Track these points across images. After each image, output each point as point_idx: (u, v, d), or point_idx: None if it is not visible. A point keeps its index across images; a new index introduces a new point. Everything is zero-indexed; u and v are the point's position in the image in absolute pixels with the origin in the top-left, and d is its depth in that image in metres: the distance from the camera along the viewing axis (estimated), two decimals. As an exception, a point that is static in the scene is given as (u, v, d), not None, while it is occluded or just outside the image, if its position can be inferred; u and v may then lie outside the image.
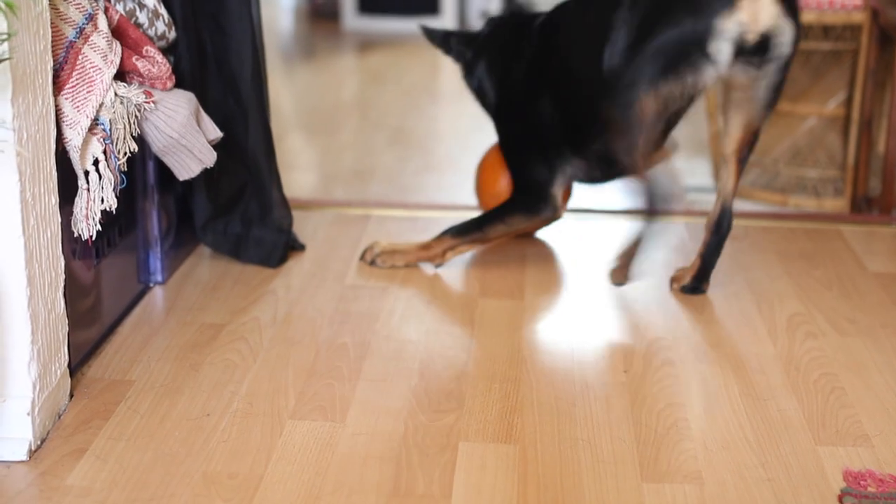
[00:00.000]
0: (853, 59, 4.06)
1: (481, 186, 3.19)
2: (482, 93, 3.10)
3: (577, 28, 2.83)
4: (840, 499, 1.99)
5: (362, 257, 2.99)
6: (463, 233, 2.94)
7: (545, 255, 3.08)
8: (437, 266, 2.95)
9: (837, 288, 2.89)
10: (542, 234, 3.19)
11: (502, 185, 3.09)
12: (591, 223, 3.32)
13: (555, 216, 2.97)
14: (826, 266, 3.02)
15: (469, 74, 3.12)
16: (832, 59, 4.10)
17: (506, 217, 2.94)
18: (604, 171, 2.89)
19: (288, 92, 5.78)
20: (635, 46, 2.53)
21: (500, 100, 3.02)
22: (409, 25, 6.98)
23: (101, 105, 2.26)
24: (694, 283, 2.85)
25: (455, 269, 2.96)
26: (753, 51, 2.51)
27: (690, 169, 4.19)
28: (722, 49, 2.48)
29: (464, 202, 3.63)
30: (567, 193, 3.09)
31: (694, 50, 2.49)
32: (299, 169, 4.34)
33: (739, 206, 4.03)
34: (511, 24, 3.05)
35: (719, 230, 2.81)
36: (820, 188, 4.14)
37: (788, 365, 2.48)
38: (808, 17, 3.96)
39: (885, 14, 3.70)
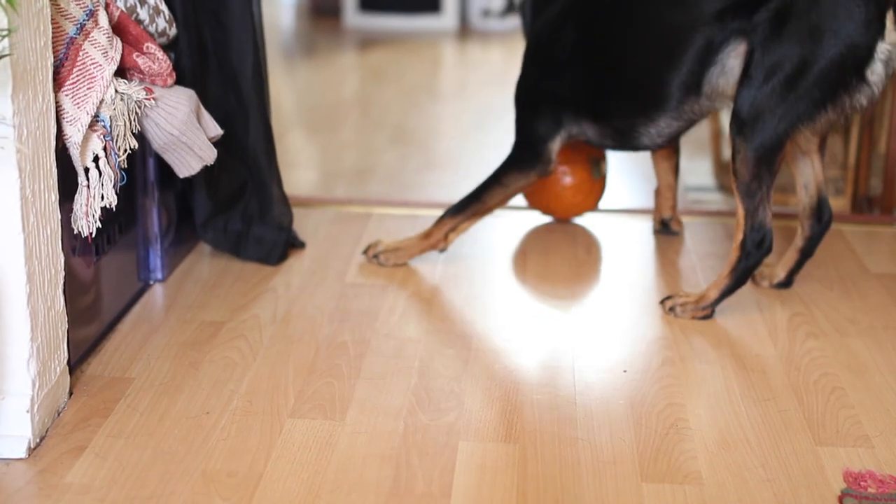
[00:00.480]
0: (855, 59, 4.05)
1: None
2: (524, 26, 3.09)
3: (640, 12, 2.77)
4: (840, 499, 1.99)
5: (364, 253, 2.99)
6: (461, 209, 2.93)
7: (544, 254, 3.07)
8: (442, 251, 2.95)
9: (838, 288, 2.89)
10: (541, 227, 3.19)
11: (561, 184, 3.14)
12: (590, 221, 3.32)
13: (547, 172, 2.92)
14: (827, 266, 3.02)
15: (522, 6, 3.11)
16: (834, 59, 4.09)
17: (501, 177, 2.92)
18: (618, 142, 2.86)
19: (289, 89, 5.78)
20: (788, 82, 2.51)
21: (531, 42, 2.98)
22: (409, 23, 6.98)
23: (101, 102, 2.26)
24: (788, 278, 2.86)
25: (455, 267, 2.96)
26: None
27: (692, 168, 4.18)
28: (877, 71, 2.50)
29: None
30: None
31: (851, 77, 2.50)
32: (300, 167, 4.34)
33: (740, 205, 4.03)
34: None
35: (821, 220, 2.82)
36: (821, 188, 4.13)
37: (789, 365, 2.47)
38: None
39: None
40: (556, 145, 2.88)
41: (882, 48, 2.49)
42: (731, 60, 2.60)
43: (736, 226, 2.64)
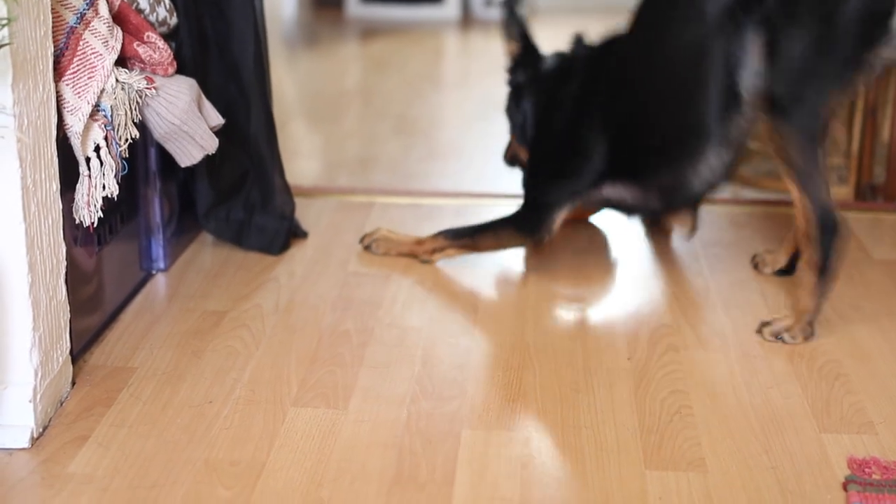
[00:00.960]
0: (858, 46, 4.04)
1: None
2: (521, 124, 3.00)
3: (648, 57, 2.69)
4: (844, 486, 1.98)
5: (361, 240, 2.99)
6: (456, 237, 2.90)
7: (547, 244, 3.07)
8: (423, 262, 2.93)
9: (842, 275, 2.85)
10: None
11: None
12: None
13: (543, 243, 2.86)
14: (830, 253, 3.01)
15: (514, 102, 3.02)
16: (837, 46, 4.08)
17: (498, 230, 2.88)
18: (666, 199, 2.76)
19: (291, 79, 5.77)
20: (817, 50, 2.40)
21: (539, 126, 2.92)
22: (412, 13, 6.96)
23: (102, 91, 2.25)
24: (790, 265, 2.83)
25: (455, 258, 2.95)
26: None
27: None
28: None
29: (467, 189, 3.62)
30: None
31: (879, 28, 2.40)
32: (303, 156, 4.33)
33: (743, 193, 4.02)
34: (569, 60, 2.91)
35: None
36: (824, 175, 4.12)
37: (792, 352, 2.47)
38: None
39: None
40: (559, 217, 2.82)
41: None
42: (756, 53, 2.47)
43: (802, 219, 2.50)
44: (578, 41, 2.92)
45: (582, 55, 2.88)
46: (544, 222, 2.82)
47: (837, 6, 2.39)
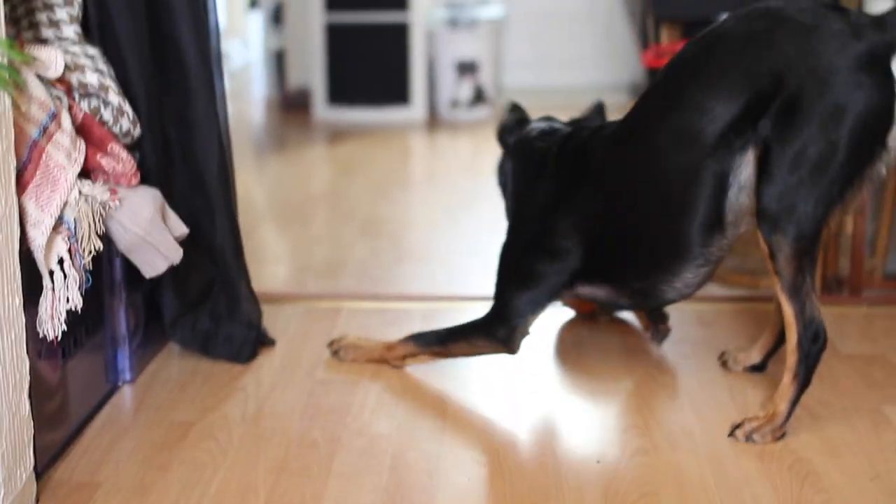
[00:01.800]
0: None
1: None
2: (504, 189, 3.02)
3: (636, 168, 2.65)
4: (818, 588, 1.97)
5: (329, 346, 2.98)
6: (426, 343, 2.88)
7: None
8: (394, 367, 2.92)
9: (810, 371, 2.88)
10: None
11: None
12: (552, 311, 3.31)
13: (516, 350, 2.81)
14: (798, 349, 3.01)
15: (501, 167, 3.03)
16: (798, 142, 4.12)
17: (469, 336, 2.83)
18: (638, 301, 2.77)
19: (259, 184, 5.79)
20: (818, 167, 2.40)
21: (519, 217, 2.90)
22: (378, 115, 7.02)
23: (65, 204, 2.25)
24: (763, 362, 2.86)
25: (424, 363, 2.94)
26: None
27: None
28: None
29: (435, 292, 3.62)
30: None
31: (877, 146, 2.42)
32: (271, 261, 4.33)
33: (710, 290, 4.03)
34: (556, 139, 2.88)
35: None
36: (790, 270, 4.14)
37: (762, 451, 2.46)
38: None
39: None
40: (529, 325, 2.79)
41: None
42: (746, 173, 2.48)
43: (786, 328, 2.49)
44: (598, 110, 2.97)
45: (572, 136, 2.85)
46: (517, 329, 2.78)
47: (844, 121, 2.38)
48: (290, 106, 7.52)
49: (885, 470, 2.38)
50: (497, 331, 2.79)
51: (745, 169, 2.48)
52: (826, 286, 3.95)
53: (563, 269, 2.74)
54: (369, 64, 7.05)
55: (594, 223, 2.69)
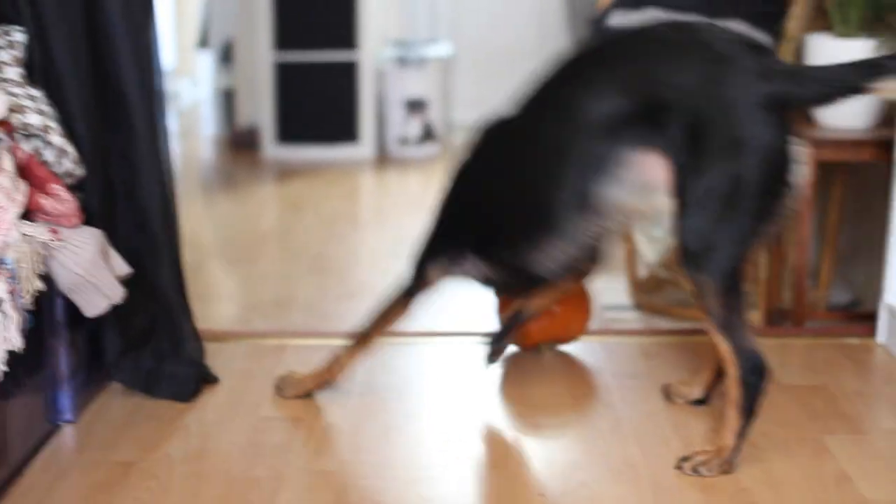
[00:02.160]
0: (761, 176, 4.13)
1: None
2: None
3: (522, 143, 2.72)
4: None
5: (275, 385, 2.98)
6: (347, 342, 2.94)
7: (456, 382, 3.08)
8: (332, 385, 2.94)
9: (752, 402, 2.90)
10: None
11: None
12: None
13: (415, 294, 2.92)
14: (740, 381, 3.04)
15: None
16: (740, 176, 4.17)
17: (381, 303, 2.94)
18: (514, 278, 2.82)
19: (208, 222, 5.78)
20: (728, 202, 2.43)
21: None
22: (328, 153, 7.03)
23: (5, 244, 2.25)
24: (705, 395, 2.86)
25: (371, 398, 2.94)
26: None
27: (608, 287, 4.22)
28: (796, 172, 2.46)
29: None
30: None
31: (779, 182, 2.45)
32: (218, 299, 4.32)
33: (655, 323, 4.06)
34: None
35: None
36: (735, 303, 4.17)
37: (705, 483, 2.48)
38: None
39: (788, 131, 3.78)
40: (431, 273, 2.88)
41: (793, 149, 2.45)
42: (633, 174, 2.51)
43: (727, 363, 2.51)
44: None
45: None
46: (418, 274, 2.89)
47: (746, 155, 2.41)
48: (240, 144, 7.51)
49: (824, 500, 2.40)
50: (404, 283, 2.92)
51: (633, 169, 2.51)
52: (769, 318, 4.00)
53: (457, 235, 2.85)
54: (319, 102, 7.06)
55: (486, 195, 2.78)
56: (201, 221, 5.69)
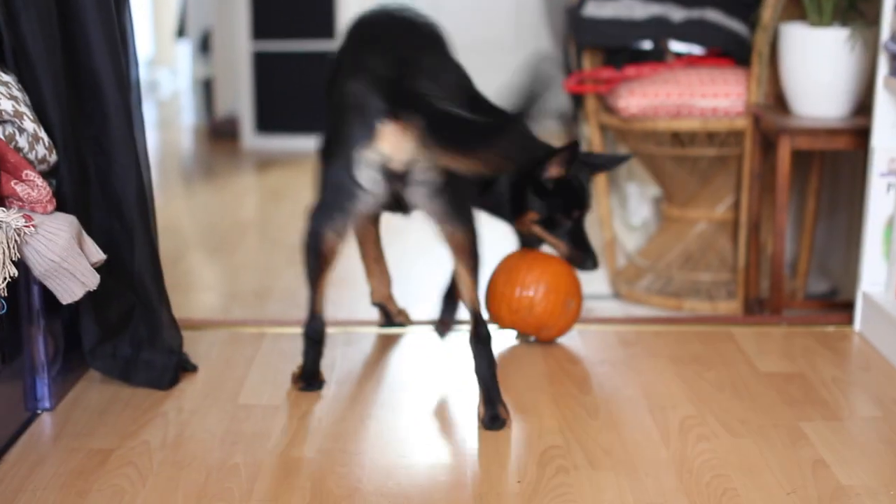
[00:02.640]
0: (738, 165, 4.16)
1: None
2: None
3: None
4: None
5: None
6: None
7: (436, 371, 3.08)
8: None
9: (729, 389, 2.91)
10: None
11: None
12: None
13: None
14: (718, 368, 3.05)
15: None
16: (719, 165, 4.19)
17: None
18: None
19: (188, 212, 5.77)
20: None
21: None
22: (307, 143, 7.02)
23: (-21, 231, 2.24)
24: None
25: (348, 387, 2.94)
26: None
27: (587, 277, 4.22)
28: (367, 176, 2.62)
29: (360, 317, 3.62)
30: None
31: (351, 180, 2.63)
32: (198, 289, 4.32)
33: (634, 310, 4.08)
34: None
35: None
36: (713, 291, 4.20)
37: (681, 468, 2.49)
38: (693, 124, 4.05)
39: (766, 120, 3.80)
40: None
41: (368, 156, 2.60)
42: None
43: None
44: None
45: None
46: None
47: (338, 145, 2.68)
48: (219, 134, 7.51)
49: (801, 485, 2.41)
50: None
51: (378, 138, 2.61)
52: (748, 307, 4.01)
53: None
54: (297, 92, 7.06)
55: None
56: (181, 211, 5.68)
